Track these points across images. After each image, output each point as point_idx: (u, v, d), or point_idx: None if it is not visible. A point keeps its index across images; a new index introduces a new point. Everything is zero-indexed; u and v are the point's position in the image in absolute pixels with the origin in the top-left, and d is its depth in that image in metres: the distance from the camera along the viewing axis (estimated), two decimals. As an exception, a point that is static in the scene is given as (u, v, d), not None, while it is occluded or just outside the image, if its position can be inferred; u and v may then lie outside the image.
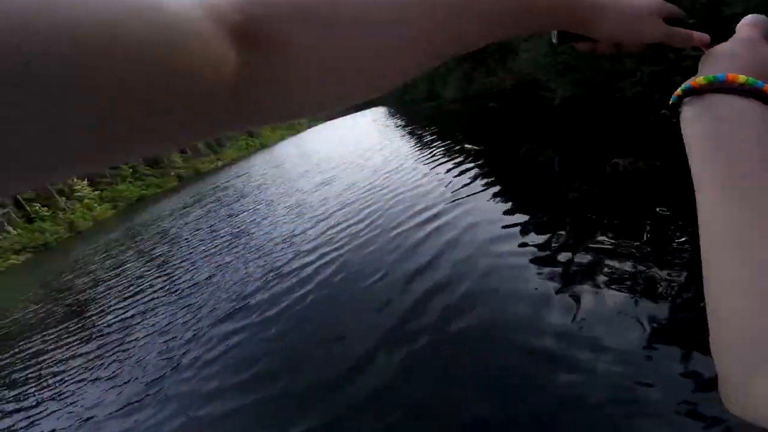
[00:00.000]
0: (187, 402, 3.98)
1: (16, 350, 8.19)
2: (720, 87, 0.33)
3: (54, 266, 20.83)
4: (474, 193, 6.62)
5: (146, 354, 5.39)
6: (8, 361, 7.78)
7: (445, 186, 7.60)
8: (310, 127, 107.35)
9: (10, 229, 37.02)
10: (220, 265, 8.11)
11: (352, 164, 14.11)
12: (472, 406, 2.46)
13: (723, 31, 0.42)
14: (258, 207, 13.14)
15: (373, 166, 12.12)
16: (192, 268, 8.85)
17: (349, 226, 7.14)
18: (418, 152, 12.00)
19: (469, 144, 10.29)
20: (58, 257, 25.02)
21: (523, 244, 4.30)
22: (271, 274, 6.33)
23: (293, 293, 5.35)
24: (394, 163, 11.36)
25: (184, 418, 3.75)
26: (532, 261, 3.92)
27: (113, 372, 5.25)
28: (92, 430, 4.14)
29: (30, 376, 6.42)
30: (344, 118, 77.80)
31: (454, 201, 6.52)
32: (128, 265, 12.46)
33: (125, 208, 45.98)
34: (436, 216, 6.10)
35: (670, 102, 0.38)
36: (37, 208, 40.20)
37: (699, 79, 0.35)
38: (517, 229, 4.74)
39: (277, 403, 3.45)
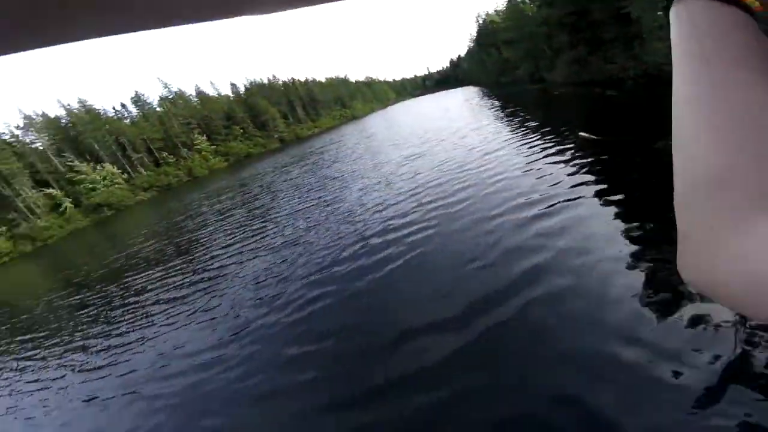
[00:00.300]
0: (265, 347, 4.36)
1: (126, 282, 9.50)
2: None
3: (172, 205, 24.86)
4: (584, 186, 5.95)
5: (237, 300, 5.94)
6: (115, 291, 9.08)
7: (550, 174, 6.97)
8: (398, 101, 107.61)
9: (142, 170, 45.46)
10: (312, 224, 8.77)
11: (444, 141, 13.92)
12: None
13: None
14: (350, 173, 13.91)
15: (468, 146, 11.83)
16: (287, 223, 9.74)
17: (441, 204, 7.13)
18: (520, 135, 11.29)
19: (585, 132, 9.16)
20: (176, 197, 29.77)
21: (626, 253, 3.75)
22: (359, 243, 6.54)
23: (378, 263, 5.46)
24: (493, 145, 10.92)
25: (257, 361, 4.08)
26: (629, 270, 3.47)
27: (205, 311, 5.95)
28: (182, 361, 4.62)
29: (130, 308, 7.38)
30: (434, 95, 75.84)
31: (559, 192, 5.93)
32: (232, 212, 14.30)
33: (235, 161, 52.71)
34: (535, 206, 5.69)
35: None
36: (165, 155, 47.89)
37: None
38: (625, 234, 4.20)
39: (350, 360, 3.56)
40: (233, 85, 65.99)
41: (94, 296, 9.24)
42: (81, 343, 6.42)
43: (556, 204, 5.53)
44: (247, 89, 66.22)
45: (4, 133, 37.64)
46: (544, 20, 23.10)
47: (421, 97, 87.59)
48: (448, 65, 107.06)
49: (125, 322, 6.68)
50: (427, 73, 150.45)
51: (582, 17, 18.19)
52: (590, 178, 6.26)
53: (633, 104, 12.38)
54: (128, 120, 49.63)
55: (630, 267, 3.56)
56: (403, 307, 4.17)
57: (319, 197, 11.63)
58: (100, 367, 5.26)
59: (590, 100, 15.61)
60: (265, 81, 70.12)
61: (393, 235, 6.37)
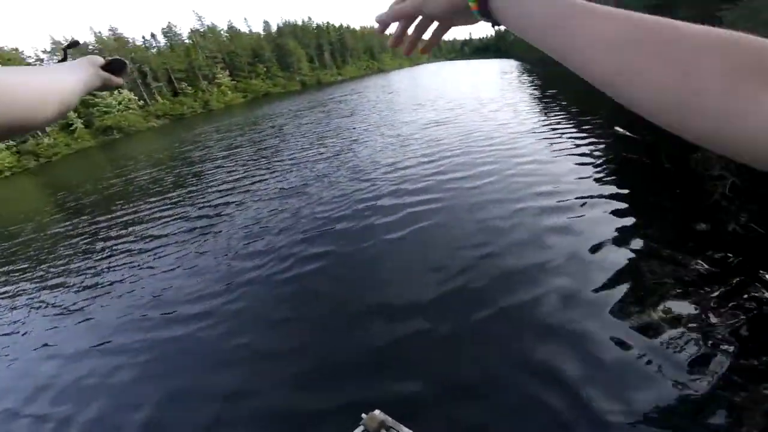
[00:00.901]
0: (253, 287, 4.28)
1: (117, 213, 9.10)
2: None
3: (181, 135, 24.35)
4: (607, 184, 5.58)
5: (227, 247, 5.60)
6: (103, 222, 8.67)
7: (577, 165, 6.49)
8: (430, 62, 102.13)
9: (159, 99, 44.84)
10: (317, 175, 8.26)
11: (472, 112, 12.76)
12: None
13: None
14: (365, 128, 13.02)
15: (497, 120, 10.73)
16: (291, 170, 9.24)
17: (457, 177, 6.51)
18: (556, 120, 10.26)
19: (620, 128, 8.45)
20: (187, 127, 29.20)
21: (633, 260, 3.64)
22: (363, 203, 6.15)
23: (379, 228, 5.16)
24: (525, 125, 9.85)
25: (243, 300, 4.09)
26: (635, 278, 3.37)
27: (194, 255, 5.62)
28: (161, 309, 4.42)
29: (116, 243, 7.00)
30: (471, 61, 71.53)
31: (580, 188, 5.49)
32: (239, 150, 13.74)
33: (252, 99, 51.52)
34: (553, 196, 5.23)
35: (471, 2, 0.41)
36: (184, 86, 47.38)
37: None
38: (637, 241, 3.98)
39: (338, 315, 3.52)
40: (266, 23, 63.40)
41: (81, 224, 8.90)
42: (57, 279, 5.98)
43: (574, 199, 5.14)
44: (279, 28, 63.88)
45: (30, 56, 37.69)
46: (618, 3, 21.30)
47: (455, 62, 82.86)
48: (493, 34, 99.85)
49: (107, 259, 6.30)
50: (468, 38, 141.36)
51: (664, 11, 16.23)
52: (615, 177, 5.94)
53: None
54: (155, 50, 49.00)
55: (636, 275, 3.47)
56: (394, 276, 4.05)
57: (329, 148, 10.98)
58: (71, 310, 4.87)
59: None
60: (299, 22, 67.27)
61: (400, 201, 5.99)
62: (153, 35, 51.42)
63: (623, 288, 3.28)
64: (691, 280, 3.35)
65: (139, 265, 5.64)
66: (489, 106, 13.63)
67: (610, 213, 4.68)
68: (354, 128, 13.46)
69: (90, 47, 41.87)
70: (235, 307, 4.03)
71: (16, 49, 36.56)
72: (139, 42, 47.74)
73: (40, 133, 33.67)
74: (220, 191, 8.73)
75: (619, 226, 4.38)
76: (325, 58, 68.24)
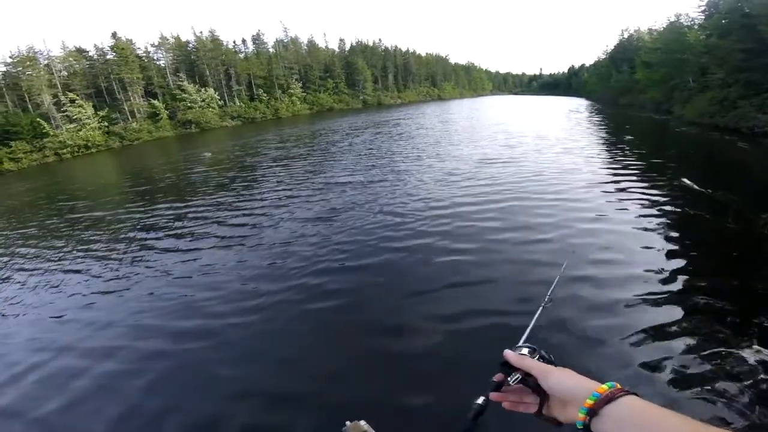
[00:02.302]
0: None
1: (175, 202, 10.06)
2: (607, 398, 0.47)
3: (249, 139, 26.15)
4: (664, 237, 5.44)
5: (238, 255, 6.02)
6: (162, 207, 9.67)
7: (639, 217, 6.24)
8: (493, 94, 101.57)
9: (237, 101, 48.89)
10: (351, 202, 8.31)
11: (535, 152, 12.50)
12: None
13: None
14: (413, 156, 13.21)
15: (560, 164, 10.47)
16: (328, 193, 9.43)
17: (503, 227, 6.11)
18: (621, 166, 10.07)
19: (688, 180, 8.13)
20: (256, 132, 31.45)
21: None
22: (385, 242, 5.98)
23: (397, 271, 4.99)
24: (589, 171, 9.69)
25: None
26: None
27: (208, 254, 6.15)
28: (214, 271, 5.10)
29: (166, 230, 7.76)
30: (538, 97, 70.12)
31: (643, 241, 5.33)
32: (287, 163, 14.35)
33: (317, 112, 54.79)
34: (614, 257, 4.90)
35: (579, 425, 0.49)
36: (261, 92, 51.08)
37: (587, 401, 0.48)
38: (700, 307, 3.80)
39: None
40: (341, 41, 67.54)
41: (135, 207, 10.04)
42: (101, 252, 6.98)
43: (629, 251, 5.06)
44: (351, 47, 67.51)
45: (140, 48, 43.01)
46: (706, 50, 20.35)
47: (521, 96, 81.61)
48: (566, 71, 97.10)
49: (155, 244, 7.09)
50: (538, 73, 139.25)
51: (756, 57, 15.02)
52: (676, 232, 5.72)
53: (763, 164, 10.48)
54: (242, 54, 53.64)
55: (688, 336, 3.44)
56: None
57: (377, 169, 11.38)
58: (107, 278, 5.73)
59: (715, 147, 13.32)
60: (370, 43, 70.83)
61: (428, 243, 5.77)
62: (244, 41, 55.99)
63: (676, 346, 3.29)
64: (743, 351, 3.20)
65: (175, 257, 6.22)
66: (553, 147, 13.34)
67: (666, 270, 4.51)
68: (401, 154, 13.77)
69: (189, 45, 46.45)
70: (244, 317, 4.31)
71: (131, 41, 41.56)
72: (231, 45, 52.42)
73: (129, 118, 38.23)
74: (251, 203, 9.21)
75: (674, 283, 4.25)
76: (389, 80, 70.75)
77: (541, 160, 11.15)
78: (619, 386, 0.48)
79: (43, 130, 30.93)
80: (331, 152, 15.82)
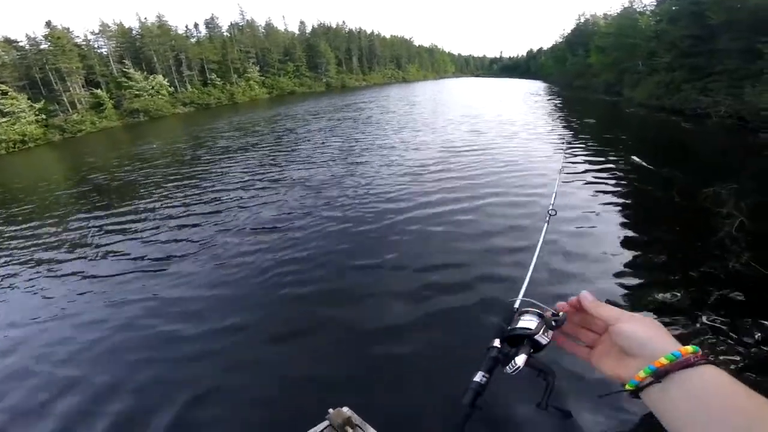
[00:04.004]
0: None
1: (118, 196, 9.61)
2: (685, 363, 0.39)
3: (201, 124, 24.91)
4: (618, 213, 5.91)
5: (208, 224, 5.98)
6: (104, 200, 9.34)
7: (591, 194, 6.73)
8: (456, 76, 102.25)
9: (189, 87, 46.07)
10: (319, 178, 8.49)
11: (496, 135, 12.67)
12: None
13: None
14: (375, 145, 12.83)
15: (517, 139, 11.25)
16: (292, 167, 9.58)
17: (455, 205, 6.55)
18: (577, 141, 10.99)
19: (637, 157, 8.70)
20: (209, 118, 29.91)
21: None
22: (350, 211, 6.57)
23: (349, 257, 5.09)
24: (543, 149, 10.33)
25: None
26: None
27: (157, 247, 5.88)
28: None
29: (111, 224, 7.51)
30: (498, 79, 71.51)
31: (592, 213, 5.88)
32: (252, 147, 14.13)
33: (277, 96, 52.50)
34: (564, 223, 5.36)
35: (628, 386, 0.44)
36: (214, 77, 48.48)
37: (661, 360, 0.41)
38: (646, 277, 4.12)
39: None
40: (302, 23, 65.12)
41: (82, 200, 9.44)
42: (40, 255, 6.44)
43: (583, 227, 5.42)
44: (313, 29, 65.30)
45: (78, 36, 39.52)
46: (655, 35, 21.44)
47: (482, 78, 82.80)
48: (525, 54, 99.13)
49: (105, 235, 6.72)
50: (498, 56, 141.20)
51: (702, 42, 15.95)
52: (626, 207, 6.15)
53: (704, 143, 11.40)
54: (194, 39, 50.58)
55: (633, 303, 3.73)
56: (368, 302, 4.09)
57: (335, 157, 11.19)
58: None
59: (661, 127, 14.35)
60: (333, 25, 68.91)
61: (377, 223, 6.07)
62: (196, 25, 53.93)
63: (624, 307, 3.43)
64: (686, 312, 3.50)
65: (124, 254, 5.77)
66: (509, 125, 14.22)
67: (618, 242, 4.93)
68: (362, 142, 13.42)
69: (134, 32, 43.03)
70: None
71: (68, 29, 37.89)
72: (181, 31, 49.34)
73: (70, 109, 34.93)
74: (223, 180, 9.42)
75: (623, 253, 4.60)
76: (353, 62, 69.17)
77: (499, 138, 11.87)
78: (700, 354, 0.41)
79: (-34, 127, 27.64)
80: (286, 142, 14.94)
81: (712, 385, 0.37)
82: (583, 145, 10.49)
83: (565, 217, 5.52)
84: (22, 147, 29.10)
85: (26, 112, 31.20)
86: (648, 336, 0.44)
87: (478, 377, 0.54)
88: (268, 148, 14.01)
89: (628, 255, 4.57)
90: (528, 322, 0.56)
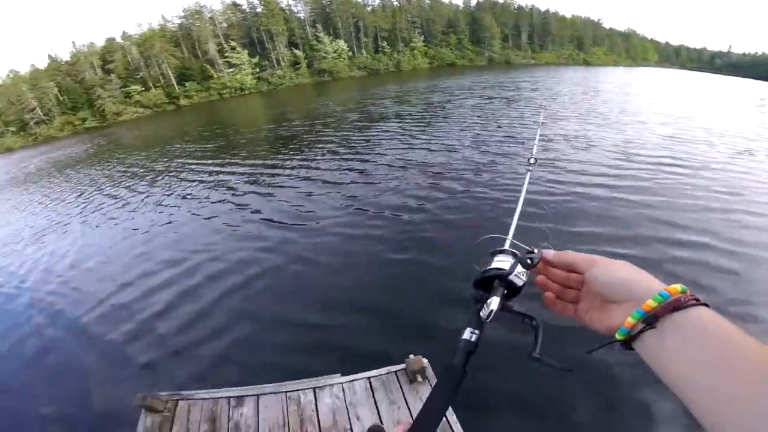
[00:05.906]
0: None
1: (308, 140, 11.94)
2: (675, 305, 0.34)
3: (369, 89, 27.11)
4: None
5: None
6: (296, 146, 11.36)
7: None
8: (658, 66, 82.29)
9: (363, 52, 50.87)
10: (457, 169, 7.65)
11: (710, 159, 9.12)
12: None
13: None
14: (525, 126, 11.20)
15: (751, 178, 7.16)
16: (436, 143, 9.51)
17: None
18: None
19: None
20: (376, 83, 32.62)
21: None
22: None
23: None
24: None
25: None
26: None
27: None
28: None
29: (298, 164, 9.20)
30: (718, 76, 54.26)
31: None
32: (407, 112, 14.91)
33: (437, 66, 53.20)
34: None
35: (618, 335, 0.38)
36: (385, 44, 52.50)
37: (649, 302, 0.36)
38: None
39: None
40: (468, -4, 62.52)
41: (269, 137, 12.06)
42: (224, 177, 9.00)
43: None
44: (478, 2, 63.14)
45: (282, 1, 47.41)
46: None
47: (695, 72, 64.21)
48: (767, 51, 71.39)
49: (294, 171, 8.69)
50: (726, 50, 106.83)
51: None
52: None
53: None
54: (370, 8, 54.94)
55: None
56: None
57: (483, 139, 10.08)
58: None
59: None
60: (500, 0, 64.48)
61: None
62: None
63: None
64: None
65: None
66: (734, 146, 9.13)
67: None
68: (518, 122, 12.01)
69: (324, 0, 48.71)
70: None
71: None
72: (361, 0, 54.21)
73: (275, 65, 43.24)
74: (352, 151, 10.07)
75: None
76: (522, 39, 63.41)
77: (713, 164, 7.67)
78: (690, 293, 0.35)
79: (209, 74, 38.02)
80: (435, 118, 14.23)
81: (712, 329, 0.32)
82: None
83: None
84: (240, 93, 38.62)
85: (246, 66, 40.49)
86: (627, 277, 0.40)
87: (467, 334, 0.48)
88: (415, 122, 14.14)
89: None
90: (500, 262, 0.53)
